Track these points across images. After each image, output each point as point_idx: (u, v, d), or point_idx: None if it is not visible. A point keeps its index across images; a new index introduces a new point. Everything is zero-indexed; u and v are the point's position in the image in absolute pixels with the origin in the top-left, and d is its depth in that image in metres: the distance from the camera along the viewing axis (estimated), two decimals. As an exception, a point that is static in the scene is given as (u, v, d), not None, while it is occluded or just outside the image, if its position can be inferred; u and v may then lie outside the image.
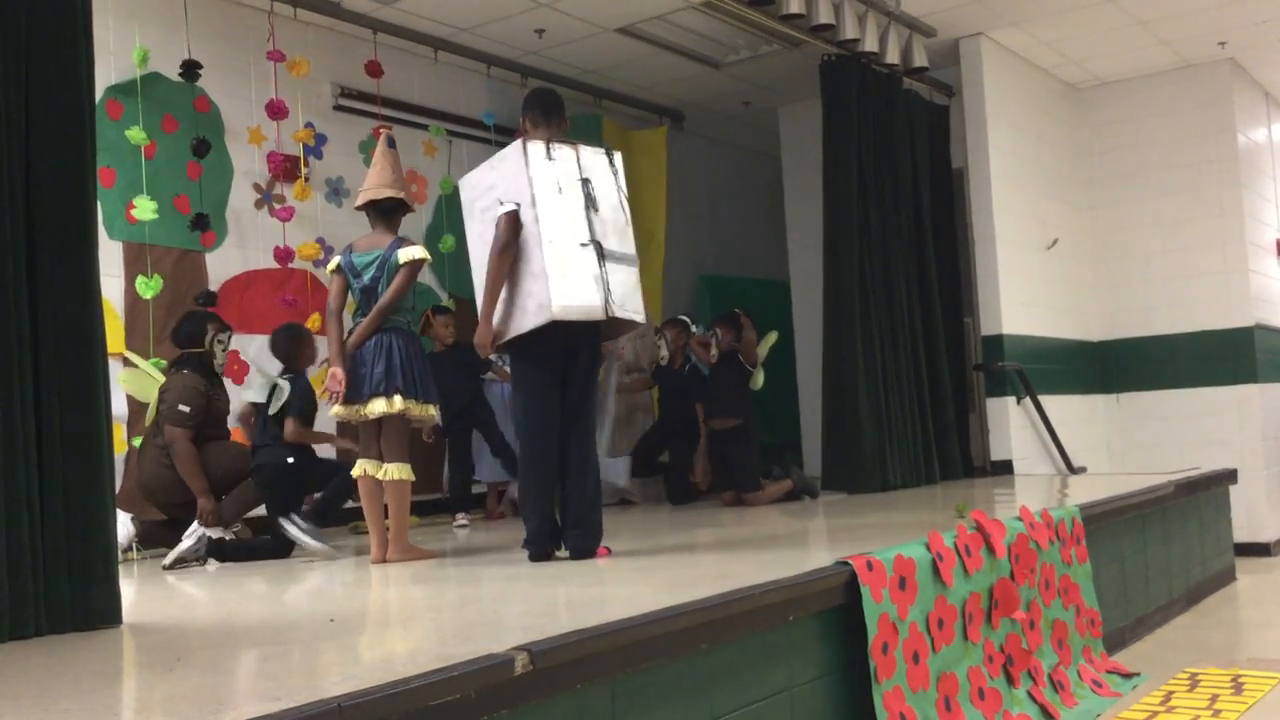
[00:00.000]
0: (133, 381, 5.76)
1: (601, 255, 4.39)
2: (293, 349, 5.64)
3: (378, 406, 4.68)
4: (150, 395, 5.64)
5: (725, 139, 10.25)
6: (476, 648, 2.54)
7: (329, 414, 4.90)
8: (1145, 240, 9.13)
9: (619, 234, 4.49)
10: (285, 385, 5.47)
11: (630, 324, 4.58)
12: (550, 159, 4.46)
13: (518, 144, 4.47)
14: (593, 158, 4.55)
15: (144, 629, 3.37)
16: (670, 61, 8.16)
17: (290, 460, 5.45)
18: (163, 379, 5.62)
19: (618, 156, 4.64)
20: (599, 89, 8.56)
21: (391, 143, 5.06)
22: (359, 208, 5.01)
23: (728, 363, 7.17)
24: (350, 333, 4.84)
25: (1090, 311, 9.22)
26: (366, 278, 4.79)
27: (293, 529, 5.15)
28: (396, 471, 4.76)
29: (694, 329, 7.56)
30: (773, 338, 7.45)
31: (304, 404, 5.53)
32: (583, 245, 4.38)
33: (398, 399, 4.69)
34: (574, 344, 4.46)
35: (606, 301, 4.36)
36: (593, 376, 4.57)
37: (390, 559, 4.74)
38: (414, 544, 4.90)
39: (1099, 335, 9.26)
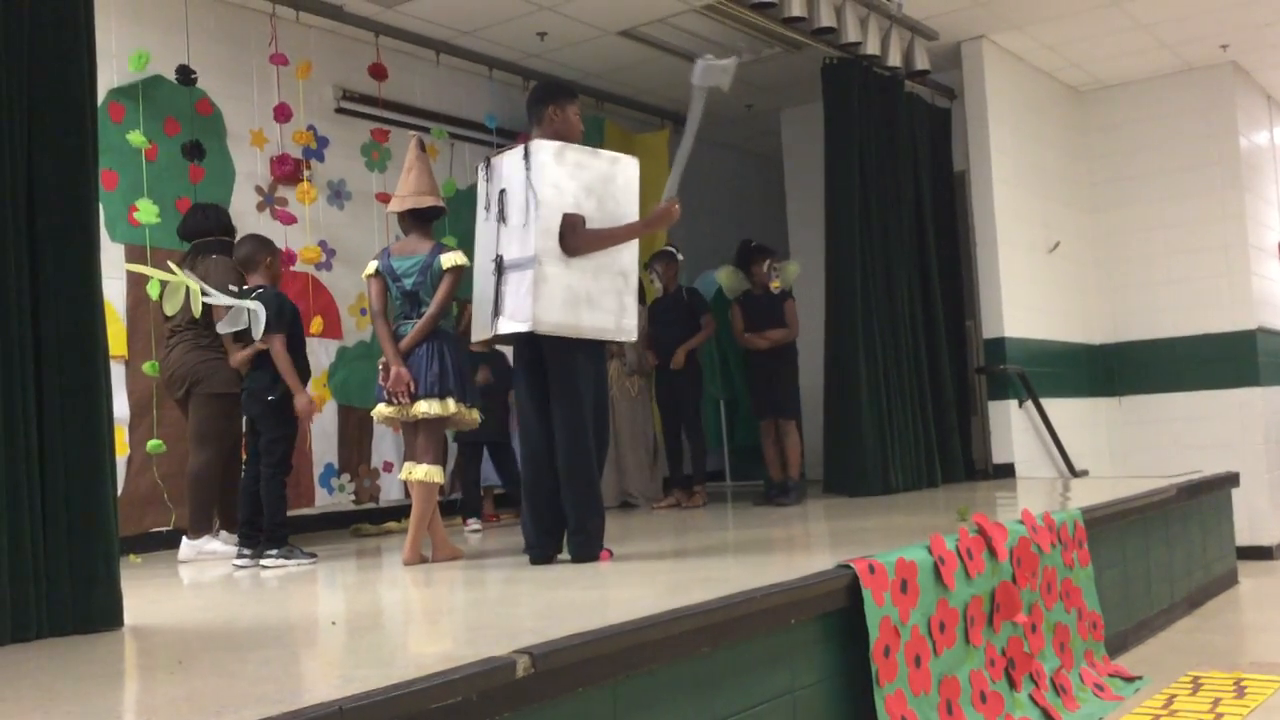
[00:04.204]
0: (160, 287, 5.56)
1: (500, 269, 4.46)
2: (256, 253, 5.24)
3: (432, 408, 4.71)
4: (175, 299, 5.46)
5: (727, 142, 10.26)
6: (478, 650, 2.54)
7: (373, 414, 4.92)
8: (1147, 243, 9.13)
9: (520, 238, 4.40)
10: (258, 306, 5.05)
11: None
12: (487, 179, 4.66)
13: None
14: (510, 161, 4.51)
15: (145, 631, 3.37)
16: (672, 64, 8.15)
17: (270, 399, 5.05)
18: (190, 281, 5.39)
19: (536, 146, 4.40)
20: (601, 92, 8.56)
21: (422, 146, 5.05)
22: (392, 213, 5.06)
23: (784, 295, 7.19)
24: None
25: (1092, 314, 9.21)
26: (409, 283, 4.83)
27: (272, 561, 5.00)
28: (427, 474, 4.77)
29: (679, 257, 7.51)
30: (794, 268, 7.46)
31: (285, 322, 5.11)
32: (492, 263, 4.51)
33: (450, 401, 4.74)
34: (538, 354, 4.47)
35: (494, 319, 4.48)
36: (567, 384, 4.44)
37: (409, 561, 4.75)
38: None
39: (1101, 338, 9.26)
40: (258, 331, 5.06)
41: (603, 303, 4.49)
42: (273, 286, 5.24)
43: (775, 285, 7.14)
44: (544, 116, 4.60)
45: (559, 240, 4.35)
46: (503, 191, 4.48)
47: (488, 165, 4.63)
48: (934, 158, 8.28)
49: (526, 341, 4.48)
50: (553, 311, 4.32)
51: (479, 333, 4.64)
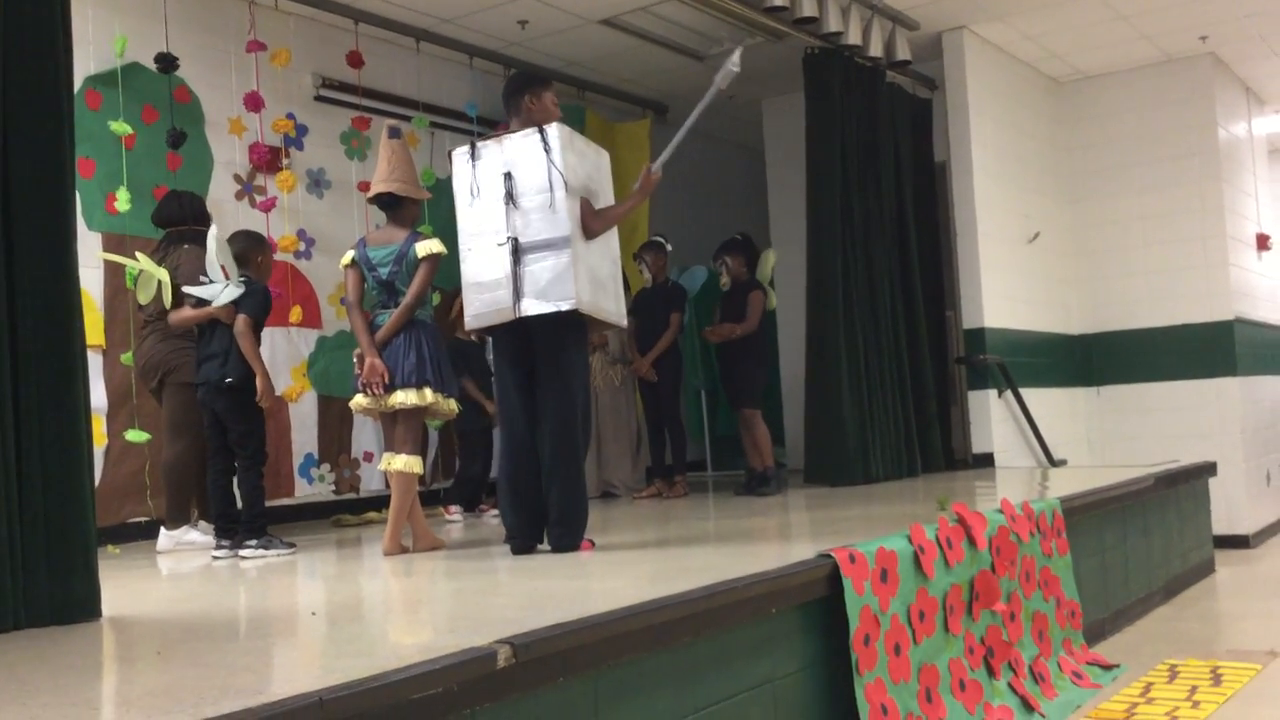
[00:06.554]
0: (136, 276, 5.54)
1: (517, 252, 4.34)
2: (250, 250, 5.27)
3: (409, 398, 4.70)
4: (148, 289, 5.45)
5: (708, 132, 10.21)
6: (459, 641, 2.53)
7: (350, 404, 4.90)
8: (1126, 234, 9.18)
9: (545, 219, 4.34)
10: (239, 288, 5.06)
11: (598, 321, 4.56)
12: (474, 159, 4.51)
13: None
14: (519, 144, 4.43)
15: (124, 622, 3.36)
16: (653, 54, 8.14)
17: (229, 380, 4.99)
18: (161, 272, 5.39)
19: (553, 130, 4.41)
20: (582, 81, 8.54)
21: (394, 133, 4.98)
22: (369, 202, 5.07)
23: (748, 287, 7.15)
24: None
25: (1071, 305, 9.25)
26: (384, 272, 4.80)
27: (251, 552, 4.97)
28: (406, 464, 4.76)
29: (668, 248, 7.54)
30: (772, 257, 7.48)
31: (258, 307, 5.11)
32: (499, 245, 4.39)
33: (427, 391, 4.73)
34: (529, 341, 4.45)
35: (516, 302, 4.34)
36: (558, 372, 4.43)
37: (389, 552, 4.74)
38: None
39: (1080, 328, 9.30)
40: (223, 300, 5.01)
41: (610, 288, 4.57)
42: (261, 282, 5.23)
43: (723, 282, 7.25)
44: (521, 106, 4.60)
45: (580, 223, 4.39)
46: (508, 175, 4.41)
47: (473, 150, 4.53)
48: (915, 148, 8.30)
49: (512, 329, 4.43)
50: (585, 291, 4.35)
51: (484, 318, 4.45)
